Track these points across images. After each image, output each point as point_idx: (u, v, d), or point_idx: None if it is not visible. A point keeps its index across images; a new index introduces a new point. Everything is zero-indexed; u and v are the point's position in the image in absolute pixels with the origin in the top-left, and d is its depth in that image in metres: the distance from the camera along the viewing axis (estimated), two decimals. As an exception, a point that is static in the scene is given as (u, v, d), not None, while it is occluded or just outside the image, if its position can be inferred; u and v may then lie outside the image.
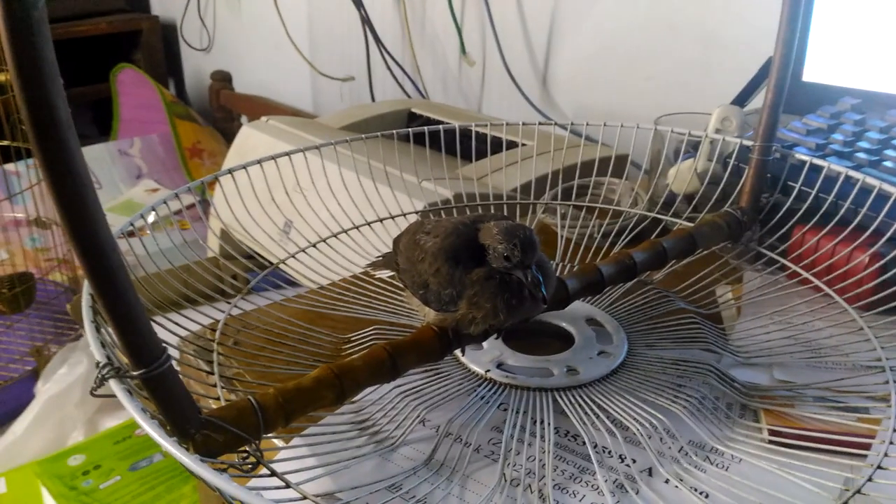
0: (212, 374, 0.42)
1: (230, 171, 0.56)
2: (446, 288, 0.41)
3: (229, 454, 0.34)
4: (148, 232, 0.52)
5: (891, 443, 0.37)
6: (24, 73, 0.23)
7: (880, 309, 0.47)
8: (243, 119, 1.85)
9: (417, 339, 0.42)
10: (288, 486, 0.34)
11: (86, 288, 0.37)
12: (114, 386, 0.31)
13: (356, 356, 0.40)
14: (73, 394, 1.04)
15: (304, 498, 0.34)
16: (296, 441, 0.39)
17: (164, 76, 2.18)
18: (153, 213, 0.50)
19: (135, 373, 0.30)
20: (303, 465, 0.36)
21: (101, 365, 0.32)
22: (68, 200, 0.26)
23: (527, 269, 0.39)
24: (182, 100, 2.09)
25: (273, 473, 0.35)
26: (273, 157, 0.58)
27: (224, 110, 1.91)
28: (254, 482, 0.35)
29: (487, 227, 0.41)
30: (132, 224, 0.47)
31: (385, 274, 0.55)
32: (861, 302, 0.48)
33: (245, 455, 0.35)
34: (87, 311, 0.36)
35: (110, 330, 0.34)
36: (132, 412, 0.30)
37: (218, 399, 0.40)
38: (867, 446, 0.39)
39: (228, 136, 1.85)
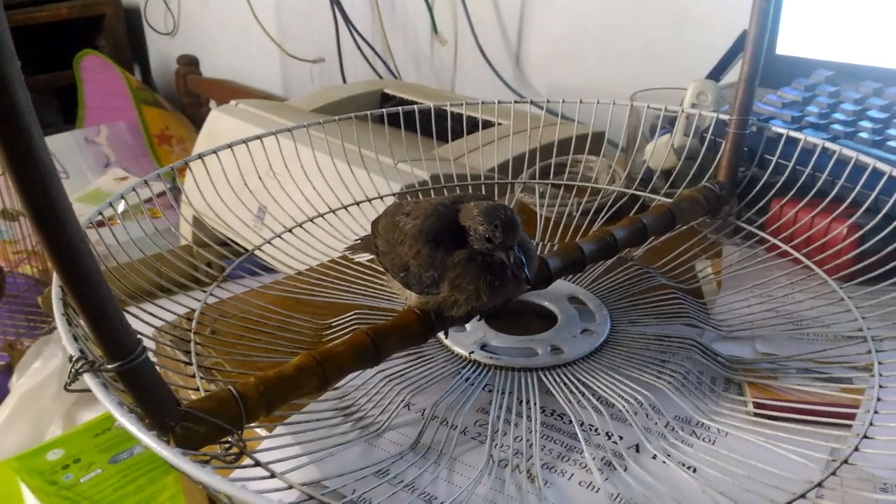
0: (190, 364, 0.41)
1: (200, 157, 0.55)
2: (427, 270, 0.40)
3: (211, 445, 0.33)
4: (118, 221, 0.50)
5: (875, 412, 0.37)
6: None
7: (860, 279, 0.47)
8: (212, 104, 1.82)
9: (399, 322, 0.41)
10: (273, 475, 0.33)
11: (55, 280, 0.36)
12: (88, 380, 0.30)
13: (338, 342, 0.39)
14: (49, 387, 1.02)
15: (290, 487, 0.33)
16: (279, 430, 0.38)
17: (129, 62, 2.13)
18: (122, 201, 0.49)
19: (110, 366, 0.29)
20: (287, 454, 0.36)
21: (74, 359, 0.31)
22: (31, 190, 0.25)
23: (509, 249, 0.39)
24: (148, 85, 2.05)
25: (257, 463, 0.34)
26: (244, 141, 0.57)
27: (192, 95, 1.87)
28: (237, 473, 0.34)
29: (468, 208, 0.40)
30: (101, 213, 0.46)
31: (364, 258, 0.55)
32: (840, 273, 0.49)
33: (228, 446, 0.34)
34: (58, 303, 0.35)
35: (82, 323, 0.33)
36: (108, 407, 0.29)
37: (197, 390, 0.39)
38: (852, 416, 0.39)
39: (197, 122, 1.82)
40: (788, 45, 0.70)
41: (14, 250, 1.29)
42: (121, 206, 0.49)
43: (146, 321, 0.42)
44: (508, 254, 0.39)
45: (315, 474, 0.36)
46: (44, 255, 1.30)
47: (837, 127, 0.57)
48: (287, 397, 0.36)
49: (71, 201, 0.26)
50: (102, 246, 0.46)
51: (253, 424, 0.37)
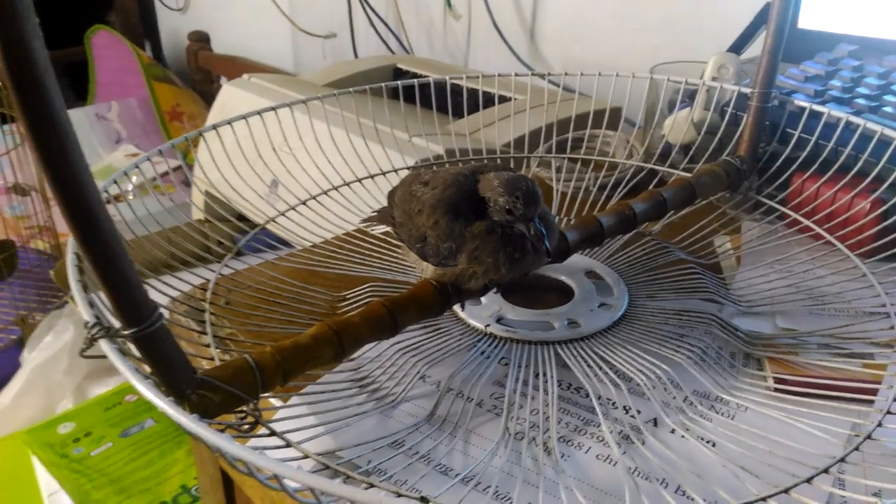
0: (204, 334, 0.41)
1: (215, 127, 0.54)
2: (445, 241, 0.40)
3: (226, 415, 0.33)
4: (132, 196, 0.50)
5: (899, 387, 0.36)
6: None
7: (883, 255, 0.46)
8: (223, 80, 1.81)
9: (416, 294, 0.41)
10: (289, 444, 0.33)
11: (70, 246, 0.35)
12: (104, 346, 0.30)
13: (354, 313, 0.39)
14: (61, 361, 1.02)
15: (305, 457, 0.33)
16: (294, 400, 0.38)
17: (140, 38, 2.12)
18: (137, 171, 0.48)
19: (126, 332, 0.28)
20: (302, 424, 0.35)
21: (89, 325, 0.31)
22: (50, 151, 0.24)
23: (529, 221, 0.38)
24: (159, 62, 2.04)
25: (273, 433, 0.34)
26: (259, 112, 0.57)
27: (203, 72, 1.87)
28: (252, 442, 0.34)
29: (488, 179, 0.39)
30: (115, 181, 0.45)
31: (378, 230, 0.54)
32: (863, 248, 0.48)
33: (243, 415, 0.34)
34: (73, 270, 0.34)
35: (98, 292, 0.33)
36: (124, 372, 0.29)
37: (211, 359, 0.39)
38: (874, 392, 0.38)
39: (208, 99, 1.82)
40: (811, 18, 0.69)
41: (26, 225, 1.29)
42: (133, 179, 0.48)
43: (161, 291, 0.42)
44: (529, 226, 0.38)
45: (330, 444, 0.36)
46: (55, 231, 1.30)
47: (861, 101, 0.56)
48: (303, 367, 0.35)
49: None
50: (118, 218, 0.46)
51: (267, 394, 0.37)
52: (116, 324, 0.29)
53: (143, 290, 0.28)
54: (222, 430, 0.33)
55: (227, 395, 0.32)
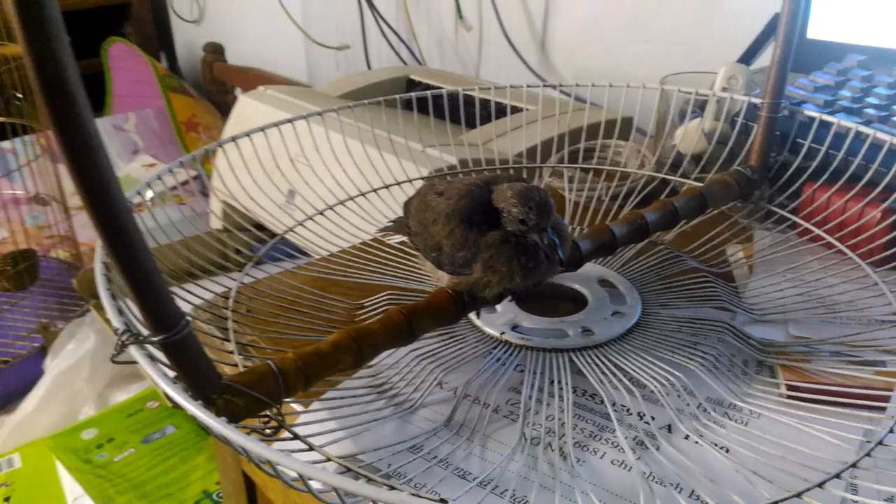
0: (227, 341, 0.42)
1: (233, 139, 0.56)
2: (460, 250, 0.40)
3: (250, 419, 0.34)
4: (154, 204, 0.51)
5: (910, 394, 0.37)
6: (30, 30, 0.23)
7: (894, 264, 0.47)
8: (237, 91, 1.83)
9: (433, 302, 0.42)
10: (311, 448, 0.34)
11: (98, 255, 0.37)
12: (134, 352, 0.31)
13: (373, 320, 0.39)
14: (83, 369, 1.04)
15: (328, 460, 0.34)
16: (315, 405, 0.39)
17: (156, 49, 2.15)
18: (159, 181, 0.49)
19: (155, 338, 0.29)
20: (324, 429, 0.36)
21: (120, 332, 0.32)
22: (80, 162, 0.25)
23: (542, 231, 0.39)
24: (175, 73, 2.07)
25: (296, 437, 0.35)
26: (276, 124, 0.58)
27: (218, 83, 1.89)
28: (275, 446, 0.35)
29: (501, 190, 0.40)
30: (139, 192, 0.47)
31: (395, 240, 0.55)
32: (874, 257, 0.48)
33: (266, 420, 0.35)
34: (101, 279, 0.36)
35: (126, 299, 0.34)
36: (154, 377, 0.30)
37: (235, 366, 0.40)
38: (885, 399, 0.39)
39: (223, 110, 1.84)
40: (820, 29, 0.69)
41: (46, 235, 1.31)
42: (151, 192, 0.49)
43: (184, 299, 0.43)
44: (542, 236, 0.39)
45: (351, 448, 0.37)
46: (75, 240, 1.32)
47: (871, 111, 0.57)
48: (324, 373, 0.36)
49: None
50: (139, 227, 0.47)
51: (289, 399, 0.38)
52: (144, 331, 0.30)
53: (171, 299, 0.29)
54: (247, 434, 0.33)
55: (251, 399, 0.33)
